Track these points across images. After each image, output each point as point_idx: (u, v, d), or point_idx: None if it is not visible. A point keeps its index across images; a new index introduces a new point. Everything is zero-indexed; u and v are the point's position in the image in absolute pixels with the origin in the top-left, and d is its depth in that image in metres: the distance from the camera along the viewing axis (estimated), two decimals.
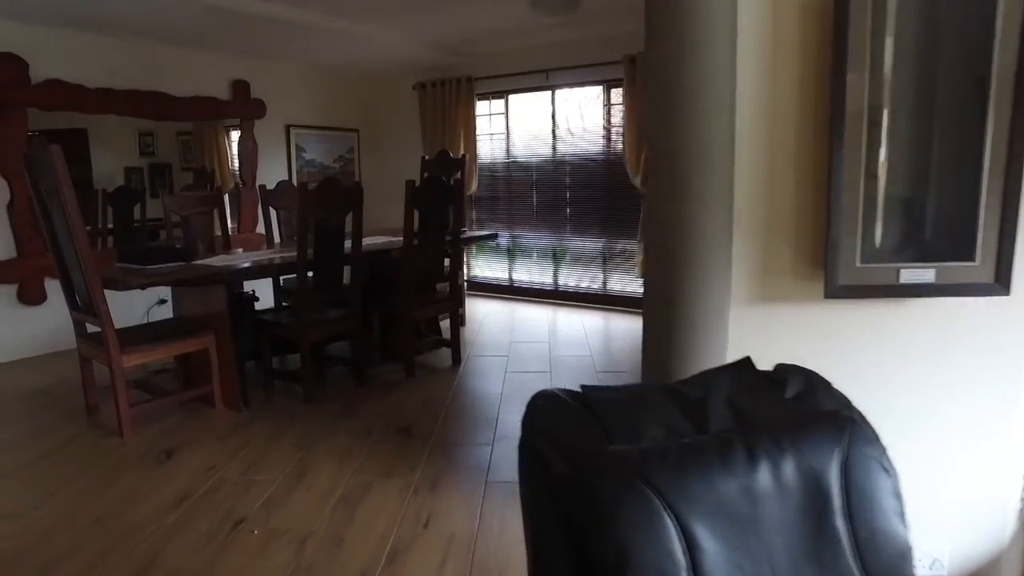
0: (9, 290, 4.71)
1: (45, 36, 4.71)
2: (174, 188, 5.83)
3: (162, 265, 3.40)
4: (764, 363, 2.02)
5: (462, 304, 4.50)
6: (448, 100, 6.48)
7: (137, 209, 5.65)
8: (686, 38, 1.88)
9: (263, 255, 3.84)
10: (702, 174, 1.91)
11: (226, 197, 6.03)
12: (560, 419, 1.04)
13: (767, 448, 0.96)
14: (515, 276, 6.70)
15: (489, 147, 6.61)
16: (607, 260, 6.11)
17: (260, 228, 6.10)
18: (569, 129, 6.14)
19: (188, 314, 3.74)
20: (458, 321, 4.30)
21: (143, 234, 5.72)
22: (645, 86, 1.94)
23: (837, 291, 1.82)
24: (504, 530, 2.37)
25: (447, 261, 4.24)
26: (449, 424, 3.34)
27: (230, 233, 5.04)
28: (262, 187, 4.65)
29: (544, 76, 6.05)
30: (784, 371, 1.20)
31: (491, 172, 6.60)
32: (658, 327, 2.07)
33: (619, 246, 6.01)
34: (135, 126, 5.55)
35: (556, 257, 6.40)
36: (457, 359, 4.35)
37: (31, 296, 4.76)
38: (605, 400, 1.09)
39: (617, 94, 5.81)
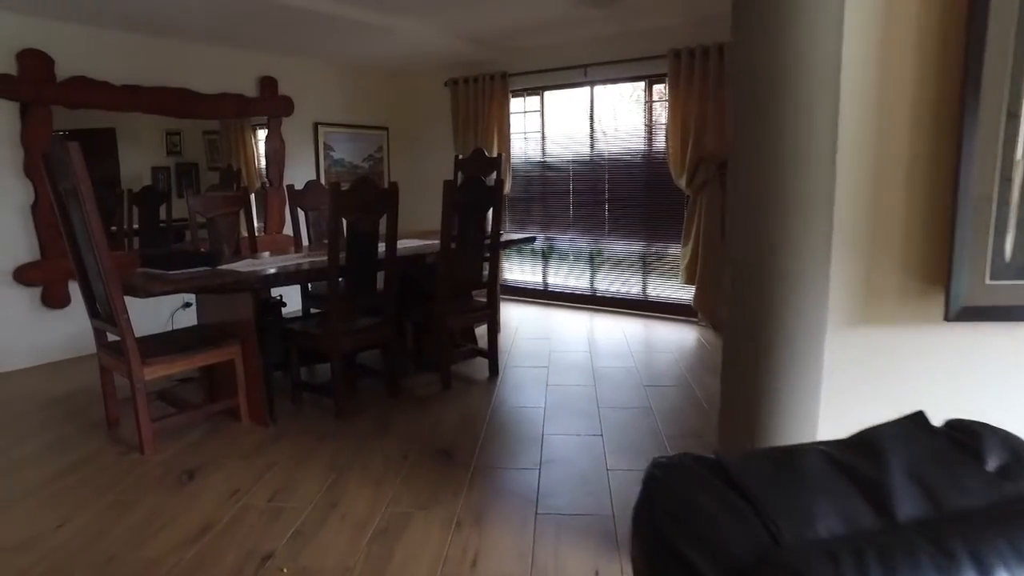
0: (33, 293, 4.56)
1: (70, 33, 4.56)
2: (201, 188, 5.70)
3: (186, 271, 3.20)
4: (870, 397, 1.75)
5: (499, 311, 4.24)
6: (481, 97, 6.23)
7: (163, 209, 5.51)
8: (784, 14, 1.60)
9: (291, 259, 3.63)
10: (798, 177, 1.62)
11: (252, 197, 5.88)
12: (699, 505, 0.78)
13: (1003, 555, 0.69)
14: (550, 280, 6.44)
15: (523, 146, 6.35)
16: (647, 264, 5.82)
17: (287, 229, 5.91)
18: (608, 127, 5.86)
19: (213, 321, 3.54)
20: (496, 330, 4.04)
21: (168, 235, 5.59)
22: (729, 79, 1.61)
23: (961, 313, 1.53)
24: (559, 571, 2.11)
25: (485, 267, 3.99)
26: (491, 444, 3.09)
27: (256, 235, 4.86)
28: (290, 187, 4.44)
29: (582, 72, 5.78)
30: (969, 432, 0.92)
31: (525, 172, 6.34)
32: (740, 353, 1.79)
33: (661, 250, 5.71)
34: (162, 125, 5.43)
35: (593, 260, 6.12)
36: (495, 370, 4.10)
37: (55, 299, 4.61)
38: (755, 475, 0.82)
39: (660, 91, 5.52)
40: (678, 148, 5.17)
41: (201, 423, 3.33)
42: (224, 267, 3.35)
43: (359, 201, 3.14)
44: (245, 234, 4.45)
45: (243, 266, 3.39)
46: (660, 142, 5.54)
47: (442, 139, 6.69)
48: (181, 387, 3.68)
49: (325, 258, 3.53)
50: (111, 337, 3.09)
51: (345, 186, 3.15)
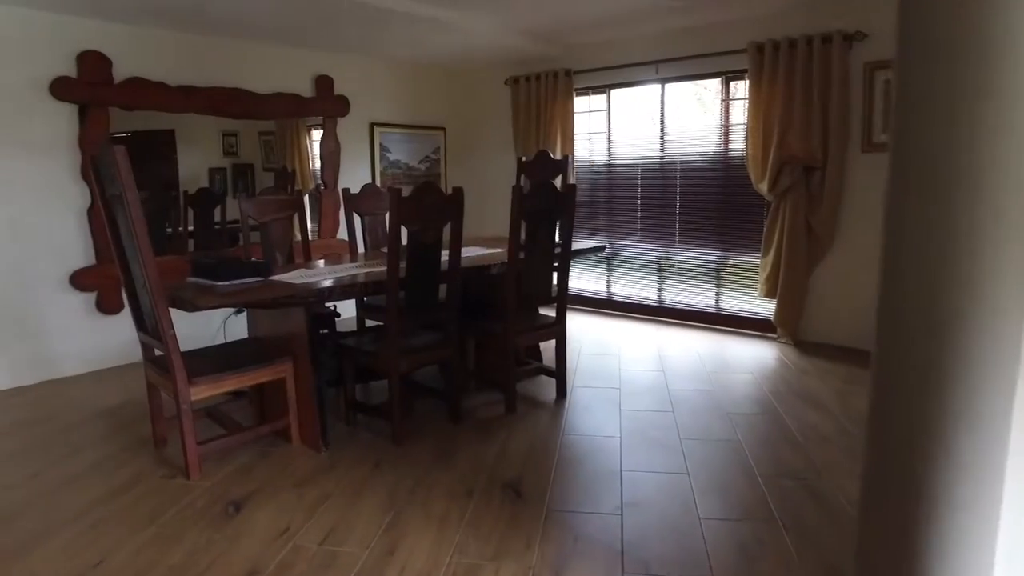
0: (88, 299, 4.46)
1: (128, 33, 4.45)
2: (256, 188, 5.60)
3: (236, 282, 2.98)
4: None
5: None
6: (543, 96, 5.92)
7: (217, 211, 5.40)
8: None
9: (347, 269, 3.38)
10: (997, 190, 1.23)
11: (306, 200, 5.71)
12: None
13: None
14: (614, 289, 6.08)
15: (587, 147, 6.01)
16: (721, 275, 5.41)
17: (341, 233, 5.73)
18: (679, 127, 5.48)
19: (264, 333, 3.32)
20: (564, 348, 3.72)
21: (223, 237, 5.50)
22: (897, 70, 1.21)
23: None
24: None
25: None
26: (564, 481, 2.77)
27: (310, 238, 4.66)
28: (346, 191, 4.22)
29: (653, 68, 5.41)
30: None
31: (590, 175, 6.00)
32: (900, 406, 1.41)
33: (736, 260, 5.30)
34: (219, 126, 5.34)
35: (661, 270, 5.74)
36: (562, 391, 3.78)
37: (109, 305, 4.50)
38: None
39: (739, 88, 5.11)
40: (758, 150, 4.76)
41: (250, 444, 3.11)
42: (276, 278, 3.12)
43: (422, 208, 2.87)
44: (299, 238, 4.26)
45: (296, 276, 3.16)
46: (738, 143, 5.13)
47: (501, 140, 6.41)
48: (230, 403, 3.48)
49: (383, 268, 3.27)
50: (158, 352, 2.89)
51: (406, 191, 2.88)
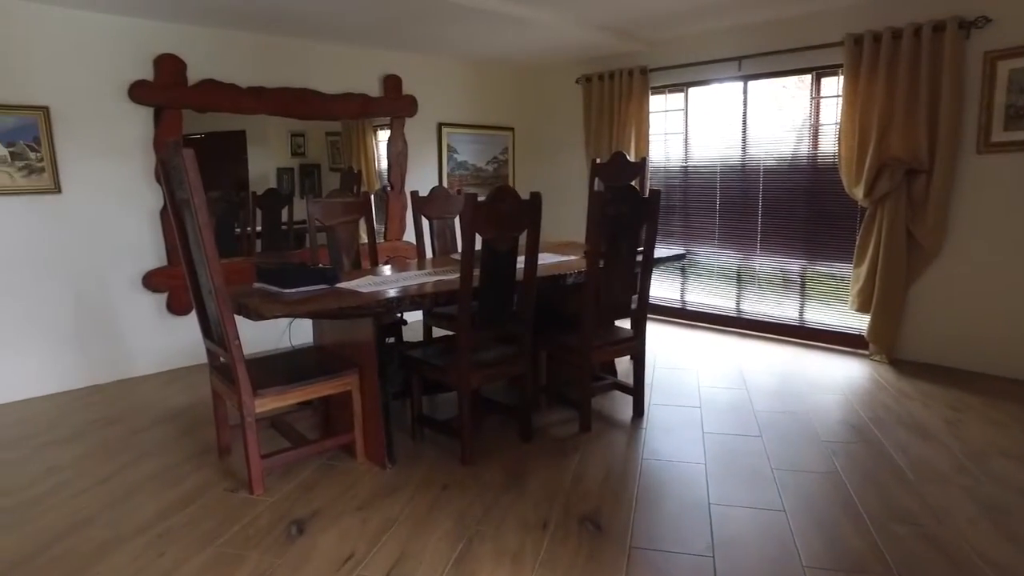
0: (159, 299, 4.48)
1: (201, 35, 4.45)
2: (322, 189, 5.58)
3: (302, 289, 2.87)
4: None
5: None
6: (617, 94, 5.67)
7: (285, 211, 5.38)
8: None
9: (416, 277, 3.24)
10: None
11: (371, 201, 5.63)
12: None
13: None
14: (688, 298, 5.78)
15: (663, 148, 5.73)
16: (806, 285, 5.04)
17: (407, 236, 5.64)
18: (763, 127, 5.14)
19: (329, 341, 3.21)
20: (643, 364, 3.48)
21: (290, 237, 5.48)
22: None
23: None
24: None
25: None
26: (648, 514, 2.54)
27: (376, 240, 4.55)
28: (414, 194, 4.08)
29: (735, 65, 5.09)
30: None
31: (665, 178, 5.71)
32: None
33: (824, 269, 4.92)
34: (287, 127, 5.33)
35: (740, 278, 5.41)
36: (639, 409, 3.54)
37: (178, 306, 4.51)
38: None
39: (830, 84, 4.74)
40: (853, 152, 4.39)
41: (314, 458, 3.00)
42: (343, 285, 3.00)
43: (498, 215, 2.69)
44: (365, 239, 4.15)
45: (363, 284, 3.03)
46: (828, 145, 4.76)
47: (572, 141, 6.19)
48: (294, 413, 3.38)
49: (453, 275, 3.12)
50: (223, 359, 2.81)
51: (482, 196, 2.70)
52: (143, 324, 4.43)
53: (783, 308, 5.19)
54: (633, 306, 3.38)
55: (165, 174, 2.66)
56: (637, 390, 3.51)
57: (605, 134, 5.80)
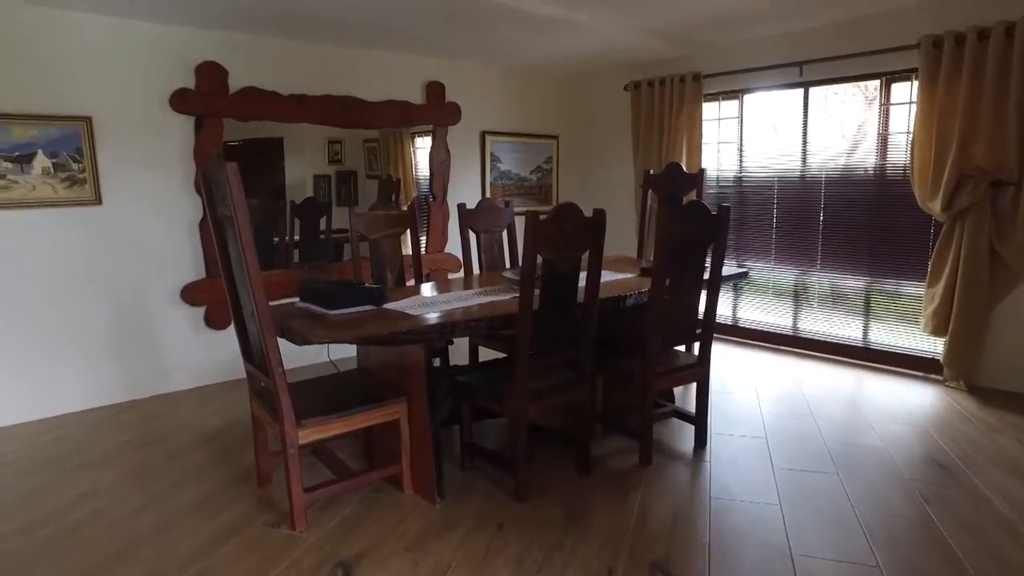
0: (197, 313, 4.36)
1: (242, 43, 4.34)
2: (359, 196, 5.46)
3: (348, 311, 2.70)
4: None
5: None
6: (668, 102, 5.43)
7: (323, 221, 5.26)
8: None
9: (467, 297, 3.05)
10: None
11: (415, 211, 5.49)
12: None
13: None
14: (740, 314, 5.50)
15: (715, 158, 5.47)
16: (871, 304, 4.74)
17: (450, 248, 5.47)
18: (826, 136, 4.86)
19: (374, 365, 3.03)
20: (707, 392, 3.24)
21: (328, 247, 5.35)
22: None
23: None
24: None
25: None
26: (725, 563, 2.29)
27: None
28: (461, 206, 3.90)
29: (796, 70, 4.81)
30: None
31: (718, 189, 5.45)
32: None
33: (892, 288, 4.62)
34: (325, 134, 5.22)
35: (798, 296, 5.12)
36: (702, 440, 3.29)
37: (217, 320, 4.39)
38: None
39: (902, 90, 4.45)
40: (928, 162, 4.09)
41: (358, 490, 2.82)
42: (391, 306, 2.82)
43: (562, 234, 2.48)
44: (407, 251, 3.97)
45: (412, 305, 2.85)
46: (898, 154, 4.46)
47: (619, 150, 5.98)
48: (337, 439, 3.20)
49: (507, 295, 2.92)
50: (264, 383, 2.64)
51: (545, 215, 2.49)
52: (181, 338, 4.32)
53: (844, 327, 4.89)
54: (698, 329, 3.14)
55: (206, 187, 2.51)
56: (700, 419, 3.27)
57: (654, 143, 5.57)
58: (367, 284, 3.02)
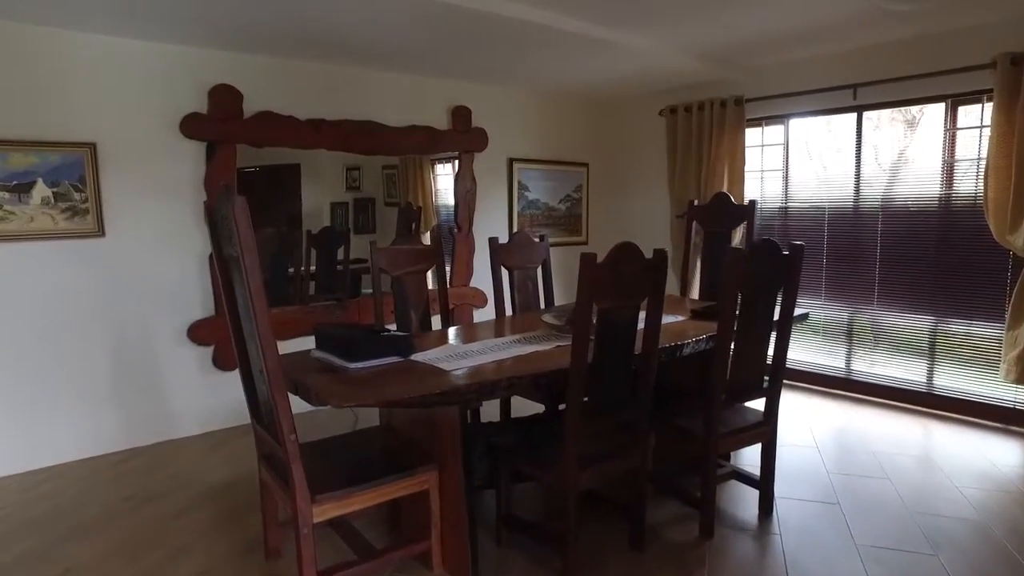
0: (205, 353, 4.05)
1: (258, 65, 4.08)
2: (376, 224, 5.19)
3: (371, 364, 2.36)
4: None
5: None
6: (707, 127, 5.11)
7: (340, 251, 4.97)
8: None
9: (504, 346, 2.70)
10: None
11: (426, 237, 5.19)
12: None
13: None
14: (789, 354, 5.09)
15: (758, 187, 5.12)
16: (937, 347, 4.33)
17: (475, 281, 5.14)
18: (883, 164, 4.50)
19: (400, 423, 2.68)
20: (774, 453, 2.85)
21: (346, 277, 5.05)
22: None
23: None
24: None
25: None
26: None
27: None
28: (492, 240, 3.56)
29: (849, 93, 4.47)
30: None
31: (761, 220, 5.09)
32: None
33: (962, 328, 4.21)
34: (343, 160, 4.98)
35: (851, 335, 4.73)
36: (767, 507, 2.90)
37: (226, 361, 4.07)
38: None
39: (971, 113, 4.09)
40: (1007, 192, 3.72)
41: (381, 571, 2.45)
42: (419, 357, 2.47)
43: (620, 279, 2.13)
44: (432, 284, 3.63)
45: (442, 356, 2.50)
46: (967, 183, 4.09)
47: (653, 178, 5.65)
48: None
49: (548, 344, 2.57)
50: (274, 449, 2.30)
51: (603, 259, 2.14)
52: (187, 380, 4.00)
53: (905, 370, 4.48)
54: (764, 382, 2.77)
55: (212, 223, 2.20)
56: (766, 484, 2.87)
57: (692, 171, 5.23)
58: (390, 330, 2.68)
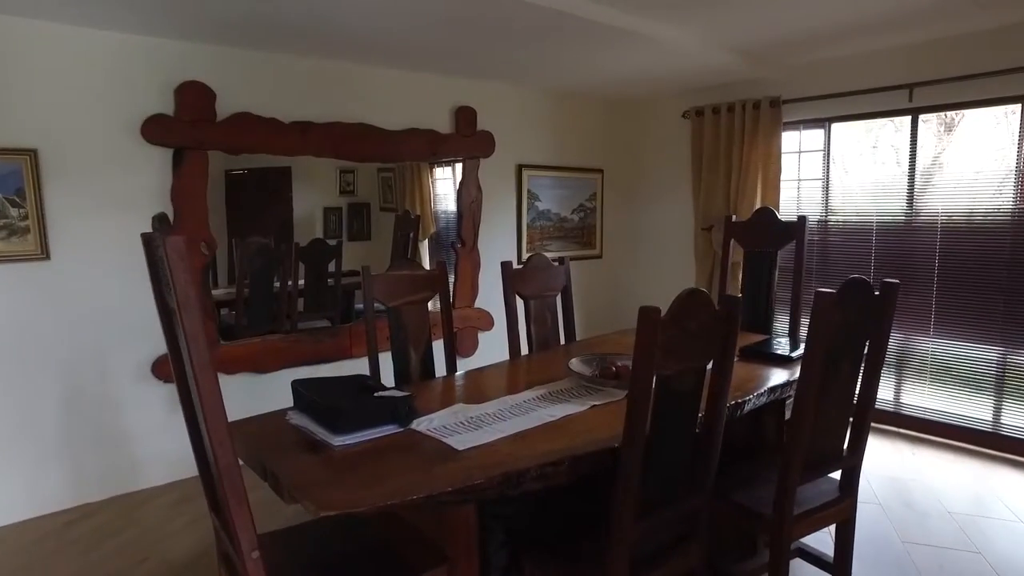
0: (171, 391, 3.50)
1: (235, 58, 3.57)
2: (371, 230, 4.78)
3: (360, 436, 1.84)
4: None
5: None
6: (738, 131, 4.60)
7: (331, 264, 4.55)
8: None
9: (524, 407, 2.18)
10: None
11: (424, 245, 4.72)
12: None
13: None
14: None
15: (795, 198, 4.61)
16: (1006, 381, 3.83)
17: (480, 302, 4.62)
18: (941, 173, 4.00)
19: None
20: (853, 534, 2.34)
21: (337, 292, 4.57)
22: None
23: None
24: None
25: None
26: None
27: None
28: (506, 265, 3.03)
29: (904, 95, 3.97)
30: None
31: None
32: None
33: None
34: (337, 163, 4.55)
35: (901, 365, 4.22)
36: None
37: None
38: None
39: None
40: None
41: None
42: (420, 425, 1.96)
43: (686, 337, 1.61)
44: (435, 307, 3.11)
45: (450, 424, 1.99)
46: None
47: (674, 185, 5.15)
48: None
49: (582, 405, 2.07)
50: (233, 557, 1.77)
51: (666, 314, 1.63)
52: (152, 422, 3.47)
53: (966, 407, 3.98)
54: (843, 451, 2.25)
55: (148, 257, 1.67)
56: (842, 566, 2.36)
57: (720, 179, 4.73)
58: (385, 386, 2.16)
